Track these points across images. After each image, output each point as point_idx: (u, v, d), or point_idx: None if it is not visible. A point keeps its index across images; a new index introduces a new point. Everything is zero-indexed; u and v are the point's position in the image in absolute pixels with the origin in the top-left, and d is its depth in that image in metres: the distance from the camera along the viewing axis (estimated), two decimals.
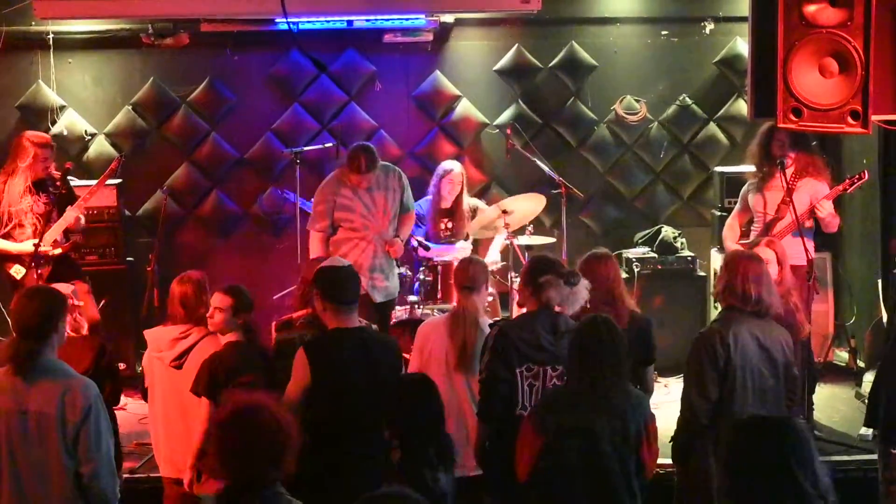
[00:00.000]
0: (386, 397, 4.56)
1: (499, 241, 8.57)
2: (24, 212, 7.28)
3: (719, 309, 5.61)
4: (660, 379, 7.77)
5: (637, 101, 9.43)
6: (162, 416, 5.72)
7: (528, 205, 8.42)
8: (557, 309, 5.17)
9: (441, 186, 8.39)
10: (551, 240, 8.58)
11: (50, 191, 7.38)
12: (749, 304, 5.29)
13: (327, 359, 4.99)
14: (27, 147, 7.31)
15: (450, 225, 8.38)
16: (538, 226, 8.74)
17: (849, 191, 7.34)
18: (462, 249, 8.20)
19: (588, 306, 5.69)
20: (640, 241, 9.20)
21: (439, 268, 7.96)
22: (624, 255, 8.93)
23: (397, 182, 7.70)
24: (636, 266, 8.69)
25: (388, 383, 4.85)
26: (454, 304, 5.86)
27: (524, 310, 5.32)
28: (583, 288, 5.22)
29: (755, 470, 3.32)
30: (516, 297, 8.14)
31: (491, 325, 5.41)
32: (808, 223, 7.30)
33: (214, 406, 5.24)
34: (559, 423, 4.59)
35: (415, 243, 8.15)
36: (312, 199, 7.68)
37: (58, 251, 7.29)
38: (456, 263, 6.42)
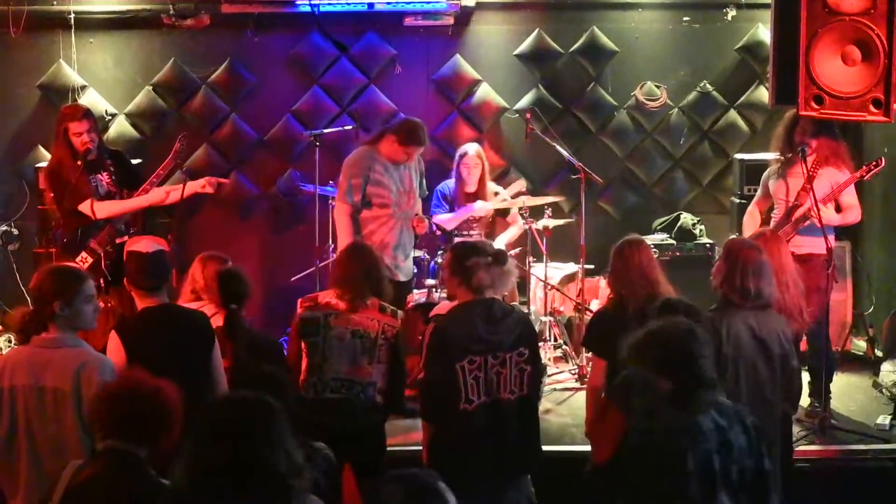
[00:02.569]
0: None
1: (510, 233, 8.51)
2: (88, 196, 6.93)
3: None
4: None
5: (657, 87, 9.38)
6: None
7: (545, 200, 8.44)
8: (490, 295, 5.11)
9: (460, 170, 8.39)
10: (570, 220, 8.60)
11: (111, 170, 7.11)
12: (748, 299, 5.24)
13: (140, 337, 4.98)
14: (61, 122, 6.97)
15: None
16: (557, 211, 8.71)
17: (866, 178, 7.30)
18: (480, 210, 8.22)
19: (611, 294, 5.71)
20: (658, 227, 9.19)
21: None
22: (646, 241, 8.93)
23: (418, 164, 7.72)
24: (654, 252, 8.60)
25: (199, 358, 4.98)
26: None
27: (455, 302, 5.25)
28: (513, 267, 5.19)
29: None
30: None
31: (426, 322, 5.40)
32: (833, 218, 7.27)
33: None
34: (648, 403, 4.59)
35: (434, 227, 8.16)
36: (342, 174, 7.49)
37: (125, 238, 6.97)
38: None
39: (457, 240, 7.98)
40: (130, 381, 3.90)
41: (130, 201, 7.06)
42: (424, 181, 7.85)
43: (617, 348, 5.33)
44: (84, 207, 6.89)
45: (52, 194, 7.08)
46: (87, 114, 7.06)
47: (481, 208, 8.24)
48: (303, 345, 5.57)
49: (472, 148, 8.45)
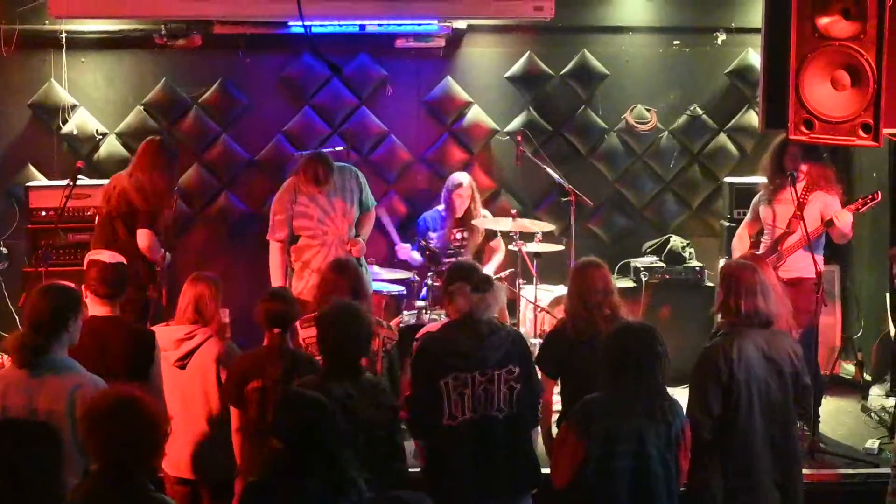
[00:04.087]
0: None
1: (496, 261, 8.60)
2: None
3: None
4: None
5: (648, 110, 9.41)
6: None
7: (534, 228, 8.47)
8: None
9: (452, 200, 8.46)
10: (559, 247, 8.58)
11: None
12: (747, 319, 5.26)
13: (80, 343, 5.03)
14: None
15: (465, 234, 8.36)
16: (547, 234, 8.68)
17: (861, 210, 7.32)
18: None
19: (565, 315, 5.79)
20: (648, 250, 9.21)
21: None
22: (632, 264, 8.95)
23: (355, 182, 7.73)
24: (644, 275, 8.70)
25: (134, 372, 5.09)
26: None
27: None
28: (497, 294, 5.24)
29: None
30: (532, 305, 8.27)
31: (416, 340, 5.49)
32: (822, 238, 7.30)
33: None
34: (607, 428, 4.62)
35: (419, 255, 8.29)
36: (270, 209, 7.72)
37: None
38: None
39: (447, 261, 8.03)
40: (115, 400, 3.88)
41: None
42: (366, 193, 7.85)
43: (563, 369, 5.42)
44: (142, 233, 7.27)
45: (148, 210, 7.33)
46: None
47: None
48: None
49: (465, 179, 8.52)
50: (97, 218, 7.67)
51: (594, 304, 5.61)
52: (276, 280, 7.54)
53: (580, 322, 5.56)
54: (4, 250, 8.91)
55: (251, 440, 5.27)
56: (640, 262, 8.93)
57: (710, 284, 8.71)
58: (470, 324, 5.12)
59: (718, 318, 5.61)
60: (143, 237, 7.24)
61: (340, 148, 8.74)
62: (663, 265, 8.90)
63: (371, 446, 4.68)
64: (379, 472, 4.60)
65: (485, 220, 8.54)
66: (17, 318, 7.82)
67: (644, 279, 8.70)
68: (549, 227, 8.61)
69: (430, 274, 8.10)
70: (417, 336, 5.95)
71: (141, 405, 3.81)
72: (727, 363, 5.19)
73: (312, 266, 7.54)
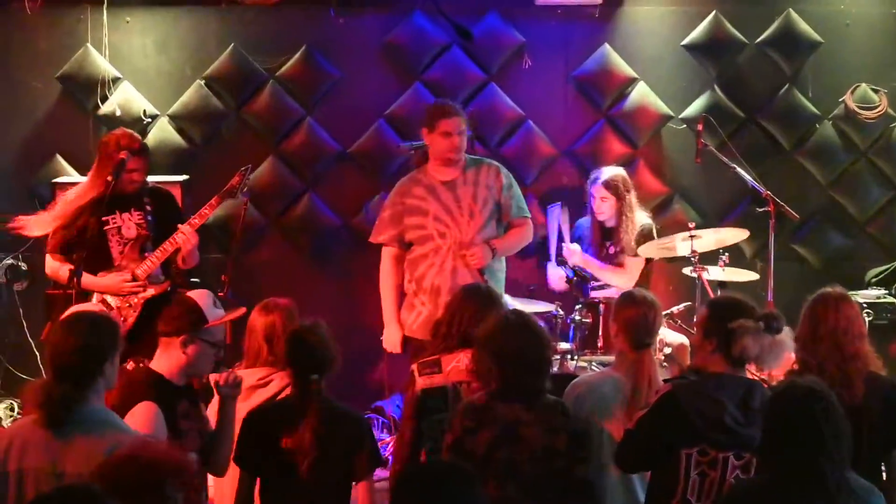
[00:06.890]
0: None
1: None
2: (110, 234, 7.12)
3: None
4: None
5: (875, 91, 9.34)
6: (230, 479, 5.57)
7: (724, 235, 8.31)
8: (751, 375, 5.00)
9: (591, 200, 8.38)
10: (753, 276, 8.39)
11: (146, 208, 7.21)
12: None
13: None
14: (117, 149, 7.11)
15: (611, 250, 8.34)
16: (736, 257, 8.57)
17: None
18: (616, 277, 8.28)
19: (796, 366, 5.54)
20: (873, 279, 9.14)
21: (601, 307, 7.78)
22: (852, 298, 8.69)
23: (493, 179, 7.44)
24: (867, 314, 8.36)
25: None
26: (627, 360, 5.64)
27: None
28: (787, 337, 5.01)
29: None
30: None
31: (665, 381, 5.32)
32: None
33: None
34: None
35: (570, 272, 8.15)
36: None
37: (150, 292, 7.10)
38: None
39: (595, 293, 8.17)
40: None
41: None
42: (513, 194, 7.55)
43: None
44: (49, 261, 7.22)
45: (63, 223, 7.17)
46: (145, 149, 7.31)
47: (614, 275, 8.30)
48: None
49: (605, 172, 8.43)
50: None
51: (849, 355, 5.39)
52: (386, 302, 7.48)
53: (833, 380, 5.18)
54: (24, 266, 8.95)
55: None
56: (862, 295, 8.77)
57: None
58: (742, 385, 4.94)
59: None
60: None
61: None
62: (894, 301, 8.84)
63: (547, 480, 4.94)
64: None
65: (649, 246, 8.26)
66: (38, 354, 7.99)
67: (867, 319, 8.24)
68: (742, 234, 8.38)
69: (577, 307, 7.97)
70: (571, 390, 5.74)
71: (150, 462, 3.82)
72: None
73: (424, 285, 7.32)
